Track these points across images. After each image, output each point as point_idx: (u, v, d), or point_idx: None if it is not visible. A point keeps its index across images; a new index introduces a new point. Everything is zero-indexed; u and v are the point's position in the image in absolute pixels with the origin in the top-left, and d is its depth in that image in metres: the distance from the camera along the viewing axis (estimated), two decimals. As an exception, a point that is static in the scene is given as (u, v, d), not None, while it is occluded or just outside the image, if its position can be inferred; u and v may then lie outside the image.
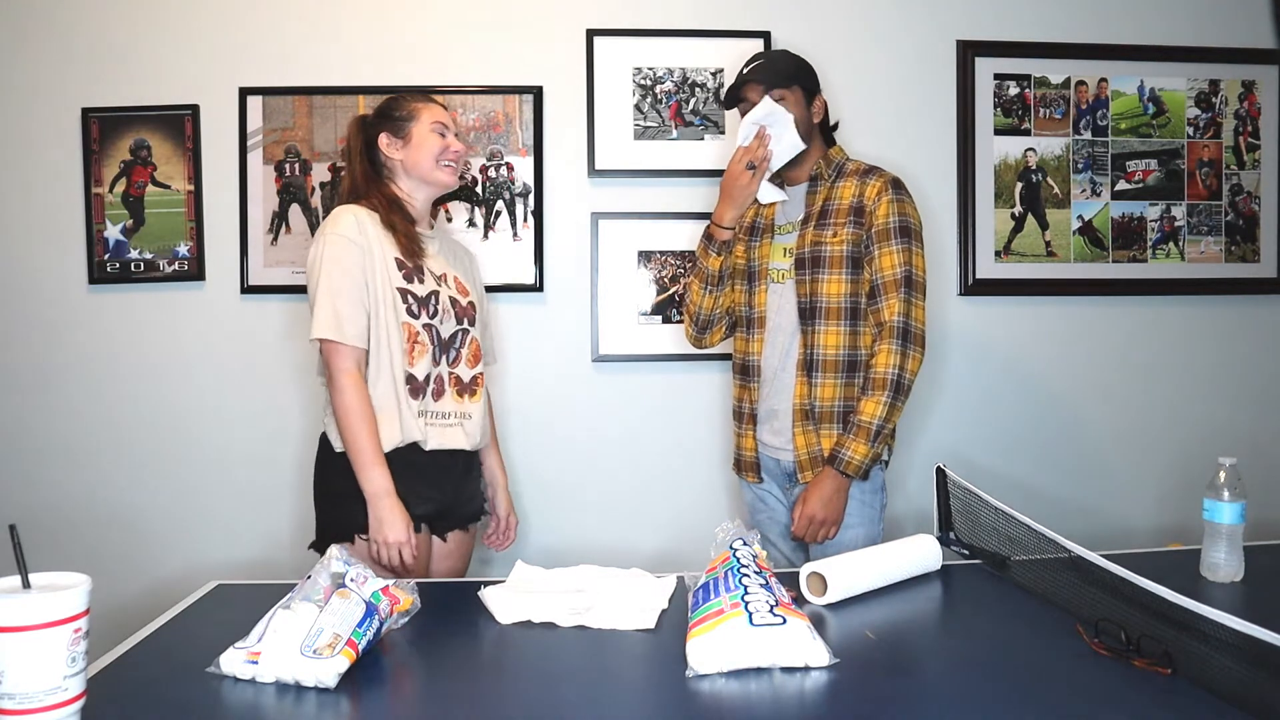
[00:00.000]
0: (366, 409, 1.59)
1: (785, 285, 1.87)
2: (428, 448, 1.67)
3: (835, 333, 1.80)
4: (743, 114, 1.86)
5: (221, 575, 1.59)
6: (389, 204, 1.71)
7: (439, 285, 1.72)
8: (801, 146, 1.82)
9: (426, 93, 2.32)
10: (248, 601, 1.28)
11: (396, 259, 1.67)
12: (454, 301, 1.74)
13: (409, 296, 1.66)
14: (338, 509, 1.66)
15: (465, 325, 1.76)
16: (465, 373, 1.75)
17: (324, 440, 1.71)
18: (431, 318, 1.69)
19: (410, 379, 1.65)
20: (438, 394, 1.70)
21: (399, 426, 1.63)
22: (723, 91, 2.39)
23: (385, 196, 1.72)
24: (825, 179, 1.86)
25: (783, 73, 1.84)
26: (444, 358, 1.72)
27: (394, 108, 1.76)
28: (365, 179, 1.74)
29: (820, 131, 1.90)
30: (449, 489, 1.73)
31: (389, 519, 1.57)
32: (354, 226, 1.64)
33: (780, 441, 1.87)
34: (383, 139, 1.74)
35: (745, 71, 1.86)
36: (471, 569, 1.86)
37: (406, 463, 1.64)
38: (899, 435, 2.36)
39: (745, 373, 1.94)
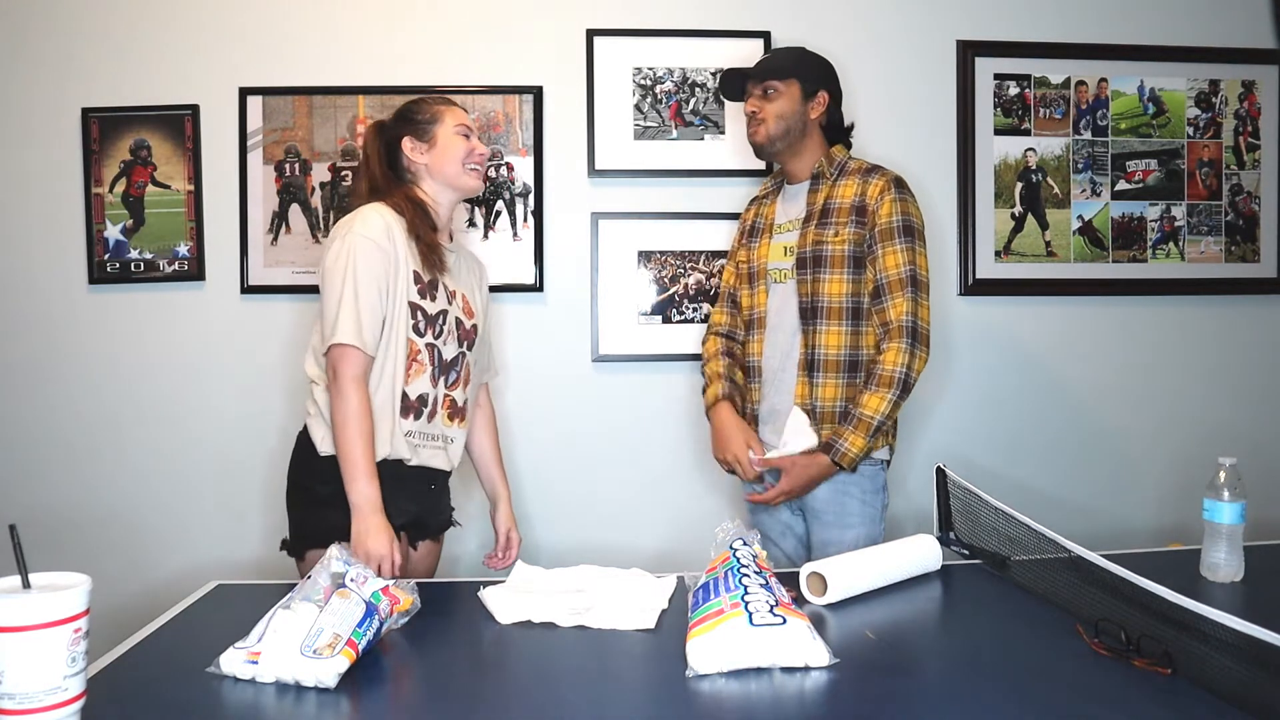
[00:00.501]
0: (368, 420, 1.55)
1: (786, 285, 1.87)
2: (410, 464, 1.64)
3: (837, 333, 1.80)
4: (745, 102, 1.88)
5: (221, 575, 1.59)
6: (414, 209, 1.65)
7: (449, 304, 1.68)
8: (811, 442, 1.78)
9: (429, 93, 2.34)
10: (248, 601, 1.28)
11: (415, 271, 1.62)
12: (459, 323, 1.70)
13: (419, 313, 1.62)
14: (315, 515, 1.61)
15: (465, 349, 1.73)
16: (460, 396, 1.72)
17: (304, 441, 1.67)
18: (436, 338, 1.65)
19: (404, 397, 1.62)
20: (431, 415, 1.67)
21: (389, 442, 1.60)
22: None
23: (410, 200, 1.66)
24: (827, 177, 1.87)
25: (780, 67, 1.86)
26: (443, 379, 1.68)
27: (416, 111, 1.71)
28: (386, 180, 1.69)
29: (822, 130, 1.90)
30: (426, 502, 1.72)
31: (374, 534, 1.51)
32: (383, 231, 1.58)
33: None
34: (406, 143, 1.69)
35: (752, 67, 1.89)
36: (440, 571, 1.86)
37: (389, 475, 1.60)
38: (899, 435, 2.37)
39: (746, 373, 1.94)
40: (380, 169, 1.70)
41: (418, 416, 1.64)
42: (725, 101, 2.39)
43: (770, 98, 1.85)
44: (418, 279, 1.63)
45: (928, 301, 1.80)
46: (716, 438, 1.89)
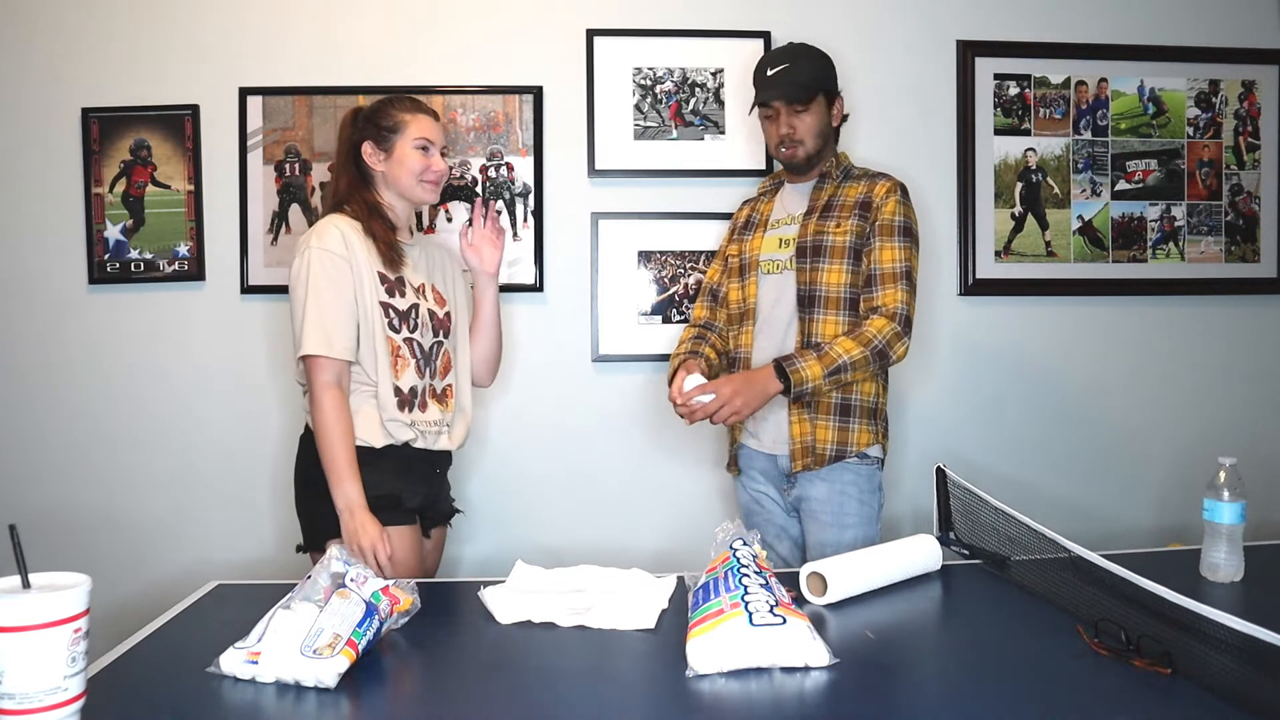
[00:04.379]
0: (344, 424, 1.60)
1: (779, 276, 1.87)
2: (416, 445, 1.70)
3: (834, 322, 1.80)
4: (770, 118, 1.86)
5: (221, 575, 1.59)
6: (369, 211, 1.70)
7: (419, 298, 1.73)
8: None
9: (427, 92, 2.33)
10: (248, 601, 1.28)
11: (379, 272, 1.67)
12: (432, 314, 1.75)
13: (391, 311, 1.67)
14: (329, 505, 1.62)
15: (441, 337, 1.77)
16: (438, 384, 1.76)
17: (307, 438, 1.71)
18: (412, 331, 1.70)
19: (398, 391, 1.67)
20: (423, 406, 1.71)
21: (388, 433, 1.66)
22: (723, 92, 2.39)
23: (366, 203, 1.71)
24: (833, 178, 1.88)
25: (804, 85, 1.83)
26: (428, 370, 1.73)
27: (381, 116, 1.73)
28: (350, 185, 1.74)
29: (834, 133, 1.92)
30: (434, 485, 1.78)
31: (361, 530, 1.56)
32: (339, 240, 1.64)
33: (776, 435, 1.86)
34: (366, 147, 1.73)
35: (770, 75, 1.85)
36: (440, 571, 1.88)
37: (397, 460, 1.66)
38: (896, 434, 2.37)
39: (733, 366, 1.93)
40: (347, 170, 1.75)
41: (411, 409, 1.69)
42: (725, 101, 2.39)
43: (802, 115, 1.84)
44: (383, 279, 1.68)
45: (916, 302, 1.82)
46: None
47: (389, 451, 1.65)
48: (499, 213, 1.93)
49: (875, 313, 1.76)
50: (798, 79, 1.84)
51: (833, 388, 1.74)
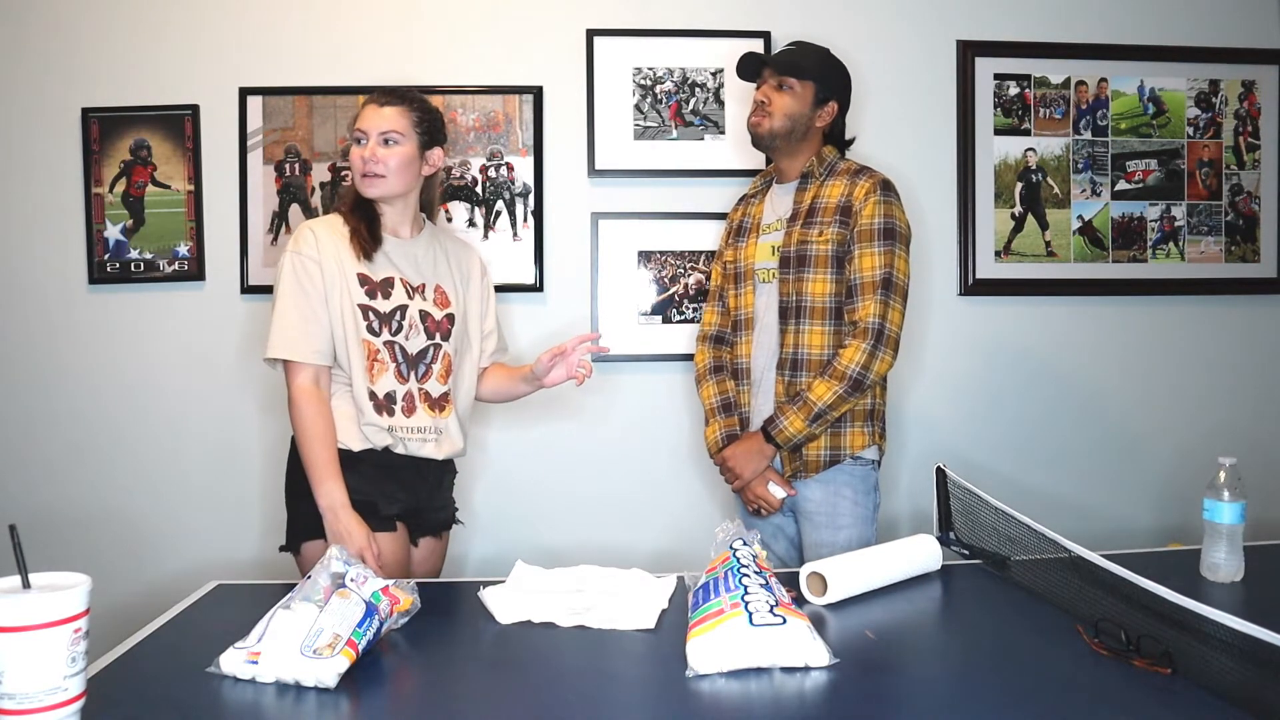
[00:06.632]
0: (321, 424, 1.59)
1: (772, 285, 1.86)
2: (397, 452, 1.66)
3: (820, 332, 1.79)
4: (757, 86, 1.87)
5: (221, 575, 1.59)
6: (351, 206, 1.69)
7: (410, 298, 1.68)
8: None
9: (428, 92, 2.32)
10: (248, 601, 1.28)
11: (360, 274, 1.64)
12: (425, 315, 1.69)
13: (370, 313, 1.64)
14: (307, 507, 1.61)
15: (437, 340, 1.71)
16: (435, 388, 1.70)
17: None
18: (394, 334, 1.66)
19: (372, 395, 1.63)
20: (409, 410, 1.66)
21: (365, 437, 1.63)
22: (723, 92, 2.39)
23: (352, 199, 1.71)
24: (816, 177, 1.86)
25: (801, 65, 1.84)
26: (412, 374, 1.68)
27: None
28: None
29: (822, 135, 1.90)
30: (422, 493, 1.72)
31: (345, 531, 1.55)
32: (311, 243, 1.62)
33: None
34: None
35: (775, 51, 1.86)
36: (444, 571, 1.85)
37: (376, 464, 1.63)
38: (895, 434, 2.37)
39: (736, 376, 1.94)
40: None
41: (391, 414, 1.65)
42: (725, 101, 2.39)
43: (784, 92, 1.84)
44: (365, 280, 1.64)
45: (902, 305, 1.77)
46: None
47: (367, 456, 1.63)
48: (606, 349, 1.88)
49: (853, 328, 1.76)
50: (795, 58, 1.85)
51: (824, 427, 1.77)
